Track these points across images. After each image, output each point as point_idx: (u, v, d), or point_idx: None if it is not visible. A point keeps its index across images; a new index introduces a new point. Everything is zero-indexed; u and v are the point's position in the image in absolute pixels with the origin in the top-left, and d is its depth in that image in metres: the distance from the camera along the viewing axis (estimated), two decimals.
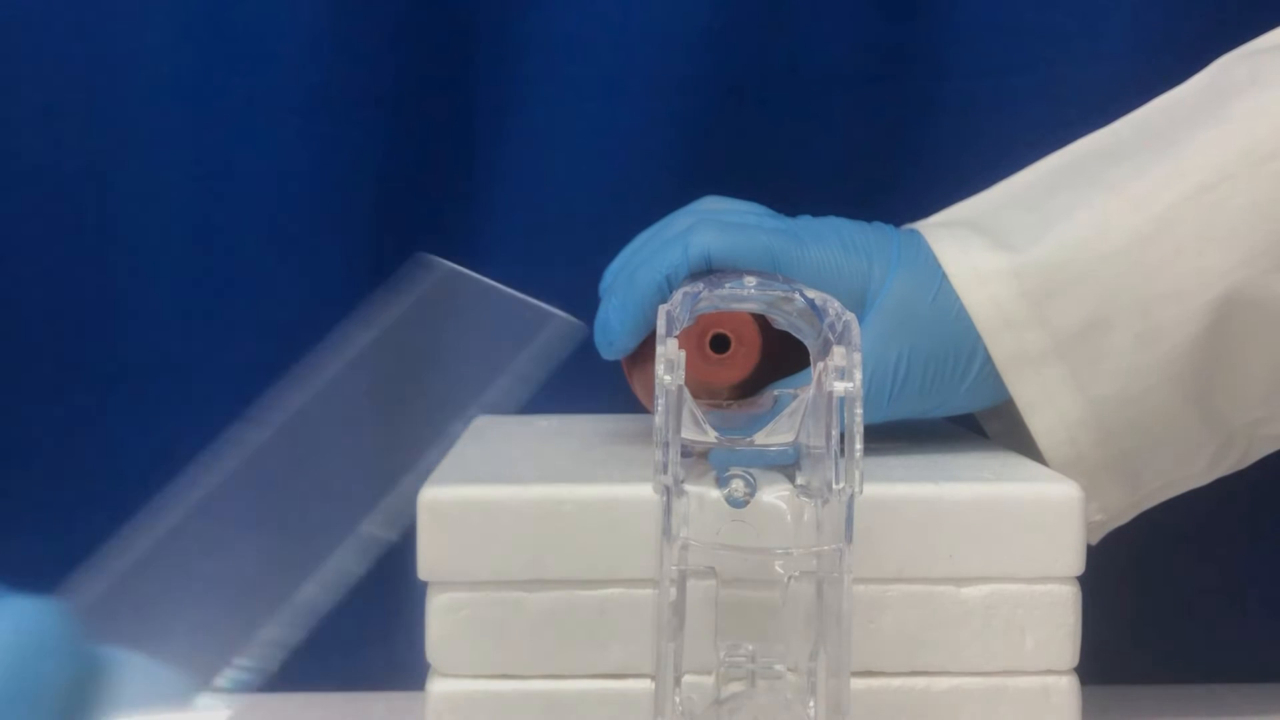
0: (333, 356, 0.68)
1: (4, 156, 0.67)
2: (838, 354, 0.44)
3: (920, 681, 0.49)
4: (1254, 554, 0.71)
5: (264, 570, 0.69)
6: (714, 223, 0.55)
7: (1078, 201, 0.56)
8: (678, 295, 0.48)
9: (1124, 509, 0.58)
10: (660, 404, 0.43)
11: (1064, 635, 0.49)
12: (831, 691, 0.43)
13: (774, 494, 0.46)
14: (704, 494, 0.46)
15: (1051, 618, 0.49)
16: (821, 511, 0.44)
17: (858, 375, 0.44)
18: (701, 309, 0.49)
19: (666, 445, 0.43)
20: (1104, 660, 0.55)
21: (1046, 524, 0.49)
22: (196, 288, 0.68)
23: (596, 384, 0.64)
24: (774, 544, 0.45)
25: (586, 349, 0.56)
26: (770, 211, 0.58)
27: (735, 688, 0.44)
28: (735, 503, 0.46)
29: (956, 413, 0.57)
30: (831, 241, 0.55)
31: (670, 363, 0.43)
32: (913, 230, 0.58)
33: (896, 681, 0.49)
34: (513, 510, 0.49)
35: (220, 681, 0.70)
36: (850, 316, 0.45)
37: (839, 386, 0.44)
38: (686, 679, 0.43)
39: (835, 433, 0.44)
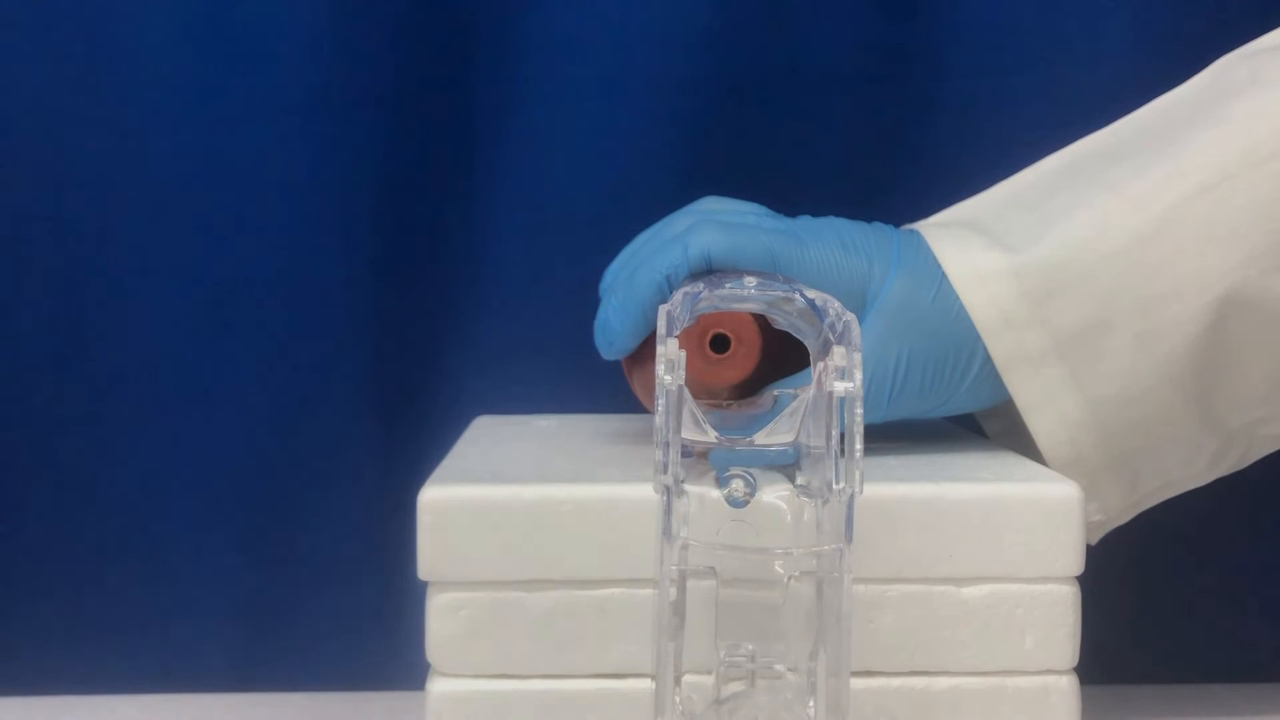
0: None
1: (4, 156, 0.67)
2: (838, 354, 0.44)
3: (920, 681, 0.49)
4: (1254, 554, 0.71)
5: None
6: (714, 223, 0.55)
7: (1078, 201, 0.56)
8: (678, 295, 0.48)
9: (1124, 509, 0.58)
10: (660, 404, 0.43)
11: (1064, 635, 0.49)
12: (831, 691, 0.43)
13: (774, 494, 0.46)
14: (704, 494, 0.46)
15: (1051, 617, 0.49)
16: (821, 511, 0.45)
17: (858, 375, 0.44)
18: (701, 309, 0.49)
19: (666, 445, 0.43)
20: (1104, 660, 0.55)
21: (1046, 524, 0.49)
22: (196, 288, 0.68)
23: (596, 384, 0.64)
24: (774, 544, 0.45)
25: (586, 349, 0.56)
26: (770, 211, 0.58)
27: (735, 687, 0.44)
28: (735, 503, 0.46)
29: (956, 413, 0.57)
30: (831, 242, 0.55)
31: (670, 363, 0.43)
32: (912, 230, 0.58)
33: (896, 681, 0.49)
34: (513, 510, 0.49)
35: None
36: (850, 316, 0.45)
37: (839, 386, 0.44)
38: (686, 679, 0.43)
39: (835, 433, 0.44)
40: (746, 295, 0.49)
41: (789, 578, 0.44)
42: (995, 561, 0.49)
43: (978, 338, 0.55)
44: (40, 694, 0.66)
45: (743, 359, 0.54)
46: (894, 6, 0.68)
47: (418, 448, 0.65)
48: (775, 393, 0.53)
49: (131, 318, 0.68)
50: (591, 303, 0.57)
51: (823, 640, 0.43)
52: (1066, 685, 0.50)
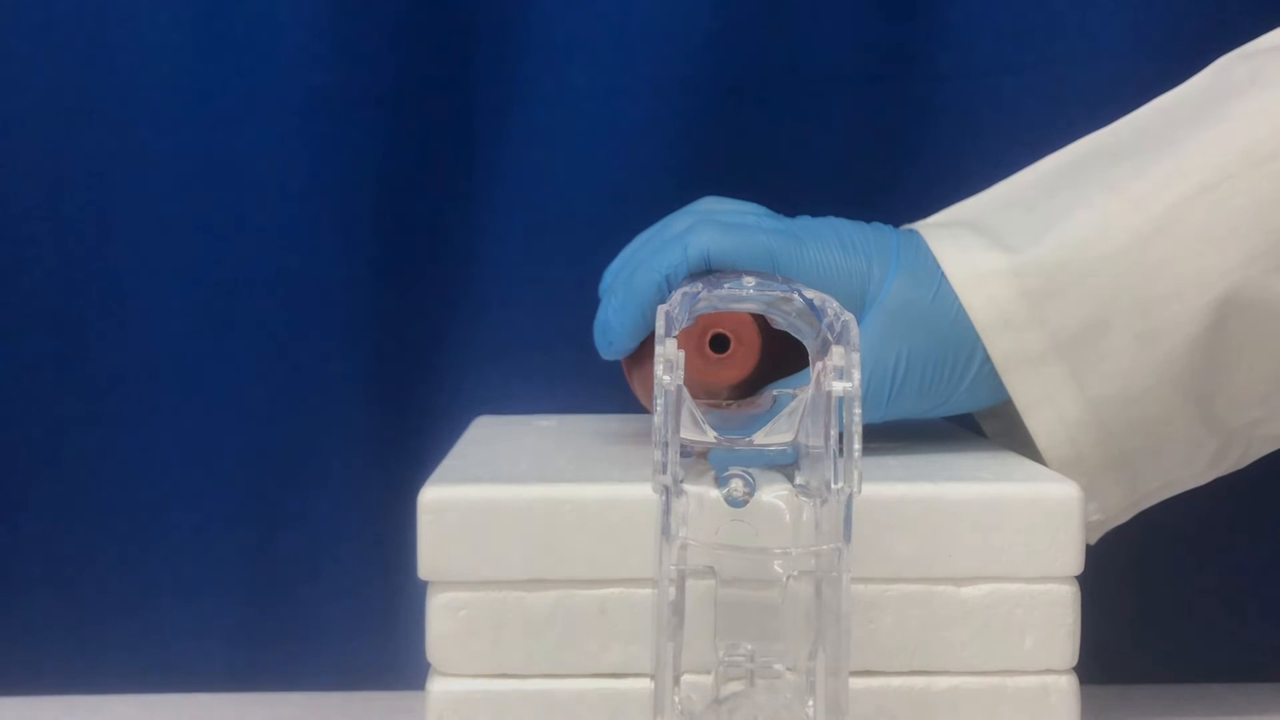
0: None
1: (4, 156, 0.67)
2: (836, 354, 0.44)
3: (920, 681, 0.49)
4: (1254, 554, 0.71)
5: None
6: (713, 223, 0.55)
7: (1078, 201, 0.56)
8: (677, 295, 0.48)
9: (1123, 509, 0.58)
10: (660, 404, 0.43)
11: (1063, 635, 0.49)
12: (830, 691, 0.43)
13: (773, 494, 0.46)
14: (703, 494, 0.46)
15: (1051, 617, 0.49)
16: (820, 511, 0.45)
17: (856, 375, 0.44)
18: (701, 309, 0.49)
19: (666, 445, 0.43)
20: (1104, 660, 0.55)
21: (1046, 524, 0.49)
22: (196, 287, 0.68)
23: (596, 384, 0.64)
24: (773, 544, 0.45)
25: (586, 349, 0.57)
26: (770, 212, 0.58)
27: (734, 687, 0.44)
28: (734, 502, 0.46)
29: (955, 413, 0.57)
30: (831, 242, 0.55)
31: (670, 363, 0.43)
32: (912, 230, 0.58)
33: (896, 681, 0.49)
34: (513, 510, 0.49)
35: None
36: (849, 316, 0.45)
37: (838, 386, 0.44)
38: (686, 678, 0.43)
39: (834, 432, 0.44)
40: (745, 295, 0.49)
41: (788, 577, 0.44)
42: (995, 561, 0.49)
43: (977, 338, 0.55)
44: (40, 694, 0.66)
45: (742, 359, 0.54)
46: (894, 7, 0.68)
47: (418, 448, 0.65)
48: (774, 393, 0.53)
49: (131, 318, 0.68)
50: (591, 303, 0.57)
51: (822, 640, 0.43)
52: (1066, 685, 0.50)
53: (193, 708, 0.66)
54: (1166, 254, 0.54)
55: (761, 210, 0.58)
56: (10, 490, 0.68)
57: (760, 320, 0.53)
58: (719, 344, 0.54)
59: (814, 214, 0.58)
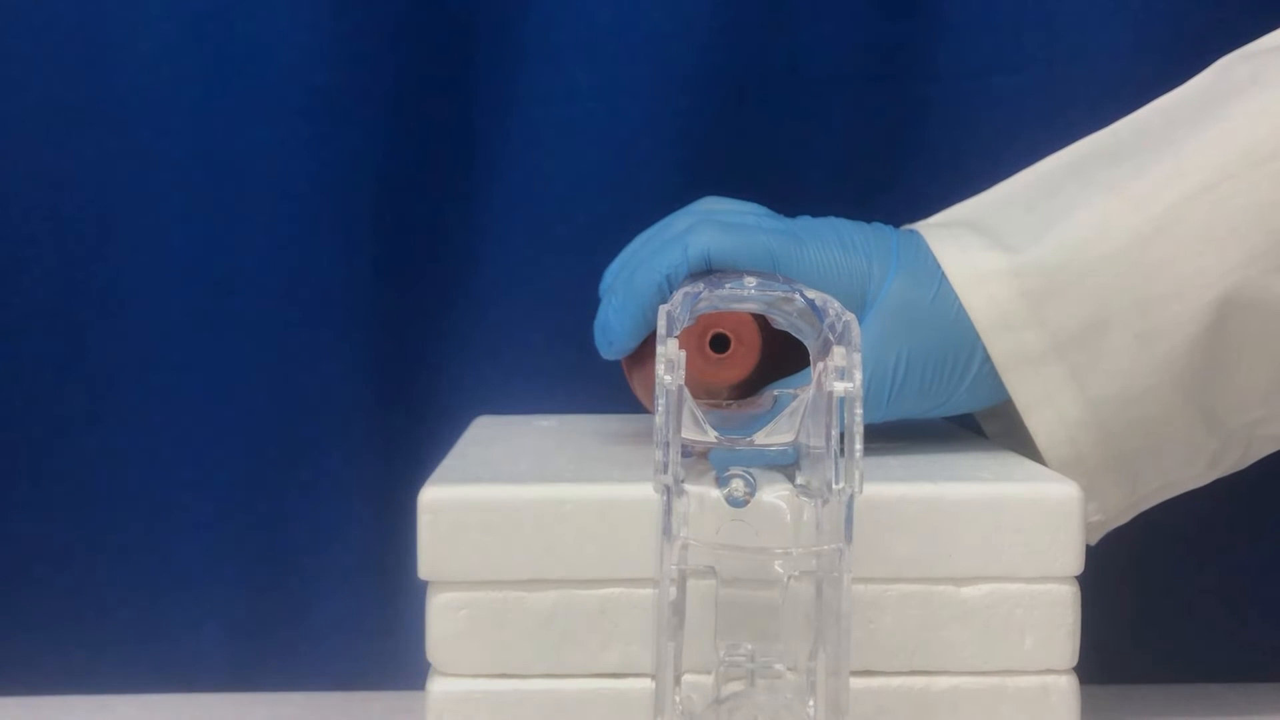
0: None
1: (4, 156, 0.67)
2: (838, 354, 0.44)
3: (920, 681, 0.49)
4: (1254, 554, 0.71)
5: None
6: (714, 223, 0.55)
7: (1078, 201, 0.56)
8: (678, 295, 0.48)
9: (1123, 509, 0.58)
10: (660, 404, 0.43)
11: (1063, 635, 0.49)
12: (831, 691, 0.43)
13: (774, 494, 0.46)
14: (704, 494, 0.46)
15: (1051, 617, 0.49)
16: (821, 511, 0.45)
17: (857, 375, 0.44)
18: (701, 309, 0.49)
19: (666, 445, 0.43)
20: (1104, 660, 0.55)
21: (1046, 524, 0.49)
22: (196, 288, 0.68)
23: (596, 384, 0.64)
24: (774, 544, 0.45)
25: (586, 349, 0.57)
26: (770, 212, 0.58)
27: (735, 687, 0.44)
28: (735, 502, 0.46)
29: (956, 413, 0.57)
30: (831, 242, 0.55)
31: (670, 363, 0.43)
32: (912, 230, 0.58)
33: (896, 681, 0.49)
34: (513, 510, 0.49)
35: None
36: (850, 317, 0.45)
37: (839, 386, 0.44)
38: (686, 678, 0.43)
39: (835, 433, 0.44)
40: (746, 295, 0.49)
41: (789, 577, 0.44)
42: (995, 561, 0.49)
43: (977, 338, 0.55)
44: (40, 694, 0.66)
45: (743, 359, 0.54)
46: (894, 7, 0.68)
47: (418, 448, 0.65)
48: (775, 393, 0.53)
49: (131, 318, 0.68)
50: (591, 303, 0.57)
51: (822, 640, 0.43)
52: (1066, 685, 0.50)
53: (193, 708, 0.66)
54: (1166, 254, 0.54)
55: (762, 210, 0.58)
56: (10, 490, 0.68)
57: (761, 320, 0.53)
58: (720, 344, 0.54)
59: (814, 214, 0.58)
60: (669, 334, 0.44)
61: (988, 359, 0.55)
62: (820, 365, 0.46)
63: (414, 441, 0.67)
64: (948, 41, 0.68)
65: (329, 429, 0.69)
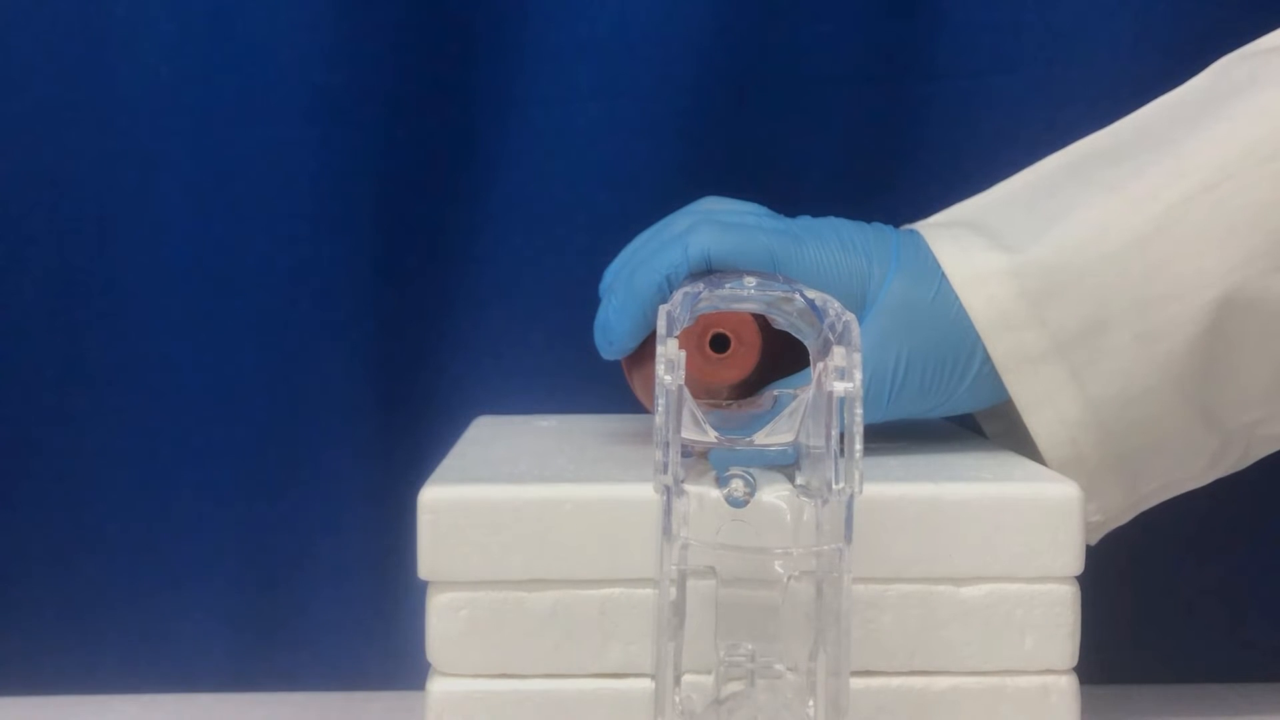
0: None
1: (4, 156, 0.67)
2: (838, 354, 0.44)
3: (920, 681, 0.49)
4: (1254, 554, 0.71)
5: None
6: (714, 223, 0.55)
7: (1078, 201, 0.56)
8: (677, 295, 0.48)
9: (1123, 509, 0.58)
10: (660, 404, 0.43)
11: (1063, 635, 0.49)
12: (831, 691, 0.43)
13: (774, 494, 0.46)
14: (704, 494, 0.46)
15: (1051, 617, 0.49)
16: (821, 511, 0.45)
17: (857, 375, 0.44)
18: (701, 309, 0.49)
19: (666, 445, 0.43)
20: (1104, 660, 0.55)
21: (1046, 524, 0.49)
22: (196, 288, 0.68)
23: (596, 384, 0.64)
24: (774, 544, 0.45)
25: (586, 349, 0.57)
26: (770, 211, 0.58)
27: (735, 687, 0.44)
28: (735, 502, 0.46)
29: (956, 413, 0.57)
30: (831, 242, 0.55)
31: (670, 363, 0.43)
32: (912, 230, 0.58)
33: (896, 681, 0.49)
34: (513, 510, 0.49)
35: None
36: (850, 317, 0.45)
37: (839, 386, 0.44)
38: (686, 678, 0.43)
39: (835, 433, 0.44)
40: (746, 295, 0.49)
41: (789, 577, 0.44)
42: (995, 561, 0.49)
43: (977, 338, 0.55)
44: (40, 694, 0.66)
45: (743, 359, 0.54)
46: (894, 6, 0.68)
47: (417, 448, 0.65)
48: (775, 393, 0.53)
49: (131, 318, 0.68)
50: (592, 303, 0.57)
51: (822, 640, 0.43)
52: (1066, 685, 0.50)
53: (193, 708, 0.66)
54: (1166, 254, 0.54)
55: (761, 210, 0.58)
56: (10, 490, 0.68)
57: (761, 320, 0.53)
58: (720, 344, 0.54)
59: (814, 214, 0.58)
60: (669, 334, 0.44)
61: (988, 359, 0.55)
62: (820, 365, 0.46)
63: (414, 441, 0.67)
64: (947, 41, 0.68)
65: (329, 429, 0.69)
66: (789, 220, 0.57)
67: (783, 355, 0.54)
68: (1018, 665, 0.49)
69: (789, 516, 0.46)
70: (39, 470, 0.68)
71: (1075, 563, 0.49)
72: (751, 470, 0.47)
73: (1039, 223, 0.56)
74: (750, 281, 0.49)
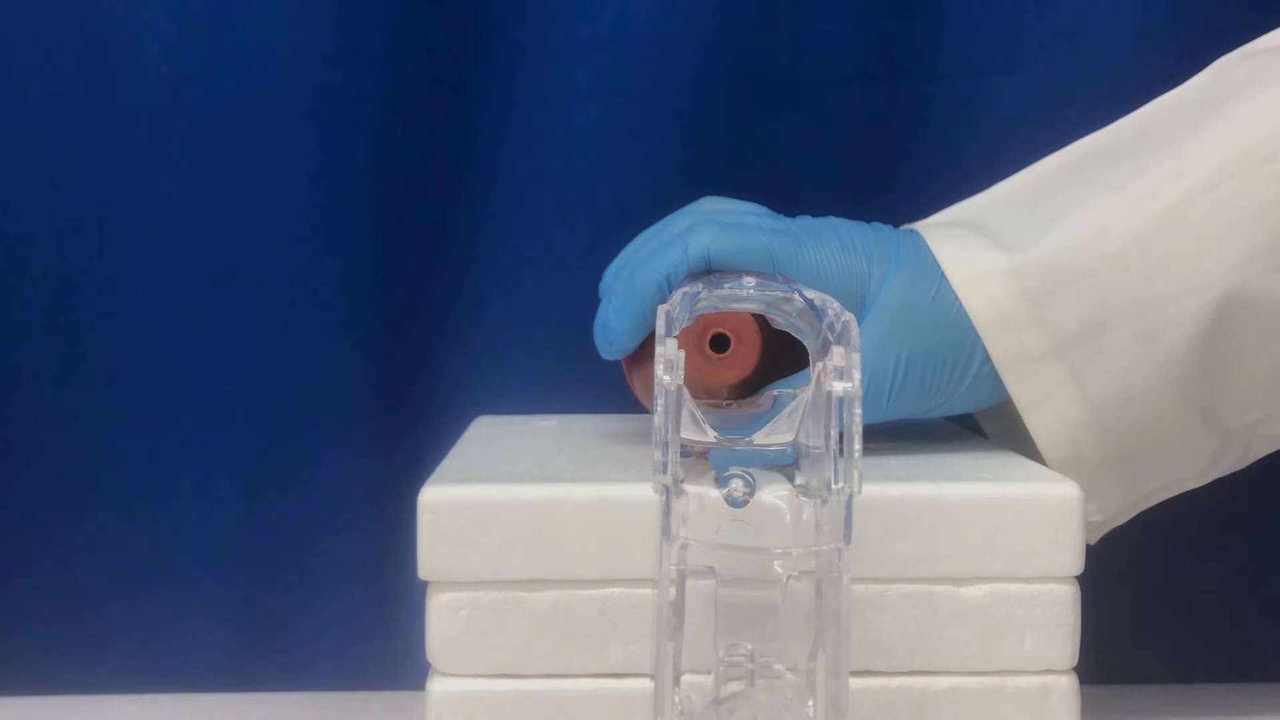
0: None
1: (4, 156, 0.67)
2: (837, 354, 0.44)
3: (920, 681, 0.49)
4: (1254, 554, 0.71)
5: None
6: (713, 223, 0.55)
7: (1077, 201, 0.56)
8: (677, 295, 0.48)
9: (1123, 509, 0.58)
10: (660, 404, 0.43)
11: (1063, 635, 0.49)
12: (831, 691, 0.43)
13: (773, 494, 0.46)
14: (703, 494, 0.46)
15: (1051, 617, 0.49)
16: (820, 511, 0.45)
17: (857, 375, 0.44)
18: (701, 309, 0.49)
19: (666, 445, 0.43)
20: (1104, 660, 0.55)
21: (1046, 524, 0.49)
22: (196, 288, 0.68)
23: (596, 384, 0.64)
24: (773, 544, 0.45)
25: (586, 349, 0.57)
26: (770, 211, 0.58)
27: (734, 687, 0.44)
28: (735, 502, 0.46)
29: (956, 413, 0.57)
30: (831, 242, 0.55)
31: (670, 363, 0.43)
32: (912, 230, 0.58)
33: (896, 681, 0.49)
34: (513, 510, 0.49)
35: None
36: (849, 316, 0.45)
37: (838, 386, 0.44)
38: (686, 678, 0.43)
39: (834, 433, 0.44)
40: (746, 295, 0.49)
41: (788, 577, 0.44)
42: (995, 561, 0.49)
43: (977, 338, 0.55)
44: (40, 694, 0.66)
45: (742, 359, 0.54)
46: (893, 6, 0.68)
47: (417, 448, 0.65)
48: (774, 393, 0.53)
49: (131, 318, 0.68)
50: (592, 303, 0.57)
51: (822, 640, 0.43)
52: (1066, 685, 0.50)
53: (193, 708, 0.66)
54: (1166, 254, 0.54)
55: (761, 210, 0.58)
56: (10, 489, 0.68)
57: (760, 320, 0.53)
58: (719, 344, 0.54)
59: (814, 214, 0.58)
60: (668, 334, 0.44)
61: (988, 359, 0.55)
62: (820, 365, 0.46)
63: (414, 441, 0.67)
64: (947, 41, 0.68)
65: (329, 429, 0.69)
66: (789, 220, 0.57)
67: (782, 355, 0.54)
68: (1018, 665, 0.49)
69: (788, 516, 0.46)
70: (39, 470, 0.68)
71: (1075, 563, 0.49)
72: (751, 470, 0.47)
73: (1039, 223, 0.56)
74: (750, 281, 0.49)
